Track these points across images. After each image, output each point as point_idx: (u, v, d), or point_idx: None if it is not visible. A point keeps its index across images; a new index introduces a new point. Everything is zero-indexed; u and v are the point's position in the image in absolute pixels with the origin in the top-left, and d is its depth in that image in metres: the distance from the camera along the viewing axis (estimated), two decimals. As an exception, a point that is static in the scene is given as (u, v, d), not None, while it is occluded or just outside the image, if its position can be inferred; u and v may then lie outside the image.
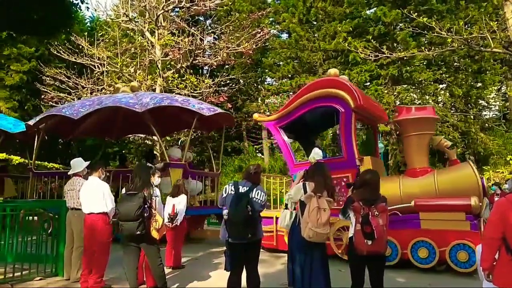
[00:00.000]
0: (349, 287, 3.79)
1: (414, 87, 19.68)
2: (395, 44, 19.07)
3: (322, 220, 3.71)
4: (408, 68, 18.72)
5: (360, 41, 16.12)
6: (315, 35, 20.72)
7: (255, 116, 8.73)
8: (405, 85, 19.64)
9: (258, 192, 4.02)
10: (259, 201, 3.98)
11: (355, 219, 3.73)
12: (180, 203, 6.27)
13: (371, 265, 3.75)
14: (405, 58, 15.87)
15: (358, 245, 3.61)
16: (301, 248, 3.79)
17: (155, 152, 13.49)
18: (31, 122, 9.51)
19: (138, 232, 4.17)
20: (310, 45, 20.08)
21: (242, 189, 4.00)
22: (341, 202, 6.40)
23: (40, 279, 5.37)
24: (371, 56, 12.78)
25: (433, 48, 13.24)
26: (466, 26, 11.94)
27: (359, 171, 5.41)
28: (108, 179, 7.35)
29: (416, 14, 12.14)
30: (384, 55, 12.55)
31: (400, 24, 18.91)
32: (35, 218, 6.45)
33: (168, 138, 16.29)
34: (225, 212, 3.95)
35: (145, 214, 4.23)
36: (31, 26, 5.86)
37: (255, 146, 25.66)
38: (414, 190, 6.47)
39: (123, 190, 4.63)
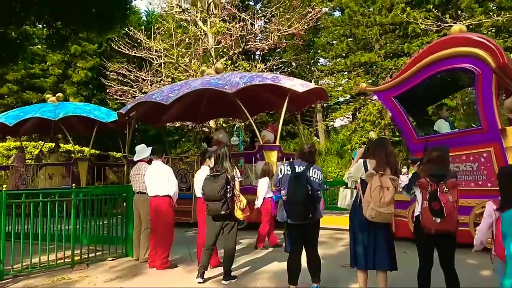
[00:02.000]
0: (417, 269, 3.59)
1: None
2: (459, 12, 17.63)
3: (386, 199, 3.49)
4: (475, 37, 17.24)
5: (419, 11, 15.12)
6: (370, 9, 19.80)
7: (363, 85, 7.58)
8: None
9: (315, 171, 3.92)
10: (318, 180, 3.88)
11: (421, 196, 3.51)
12: (260, 185, 6.43)
13: (440, 244, 3.51)
14: (471, 26, 14.61)
15: (425, 223, 3.39)
16: (364, 228, 3.62)
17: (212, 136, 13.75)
18: (122, 111, 9.73)
19: (223, 212, 4.33)
20: (365, 20, 19.23)
21: (298, 169, 3.92)
22: (480, 182, 5.87)
23: (112, 259, 5.73)
24: (433, 27, 11.92)
25: (502, 13, 12.05)
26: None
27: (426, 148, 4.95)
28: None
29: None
30: (447, 25, 11.61)
31: (465, -10, 17.42)
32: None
33: (224, 124, 16.57)
34: (283, 192, 3.90)
35: (228, 195, 4.37)
36: (90, 20, 6.15)
37: (310, 129, 25.33)
38: None
39: (200, 174, 4.78)
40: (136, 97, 12.85)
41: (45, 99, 17.48)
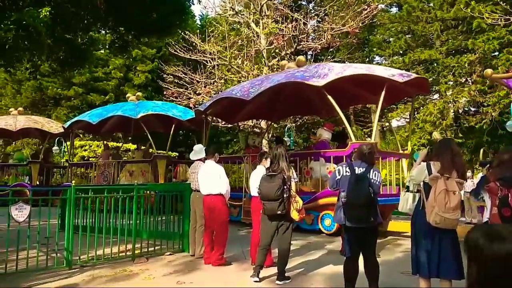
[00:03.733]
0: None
1: (558, 52, 16.60)
2: (531, 4, 16.26)
3: (451, 204, 3.27)
4: (550, 31, 15.83)
5: (485, 5, 14.15)
6: (430, 4, 18.84)
7: (489, 72, 6.47)
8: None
9: (375, 173, 3.80)
10: (377, 183, 3.76)
11: (491, 201, 3.28)
12: None
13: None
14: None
15: (496, 230, 3.17)
16: (427, 234, 3.41)
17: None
18: (201, 108, 9.54)
19: (279, 212, 4.35)
20: (425, 16, 18.34)
21: (358, 170, 3.81)
22: None
23: (170, 254, 5.95)
24: (500, 21, 11.12)
25: None
26: None
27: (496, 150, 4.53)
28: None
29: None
30: (518, 18, 10.80)
31: (538, -21, 16.03)
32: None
33: (275, 125, 16.59)
34: (343, 194, 3.80)
35: (285, 195, 4.38)
36: (151, 26, 6.45)
37: (363, 130, 24.61)
38: None
39: (257, 172, 4.80)
40: (213, 95, 12.41)
41: (107, 101, 18.62)
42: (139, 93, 13.19)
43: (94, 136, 18.58)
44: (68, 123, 12.94)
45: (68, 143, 14.38)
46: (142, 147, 13.75)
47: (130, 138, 17.80)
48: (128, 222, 5.71)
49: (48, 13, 5.28)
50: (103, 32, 10.06)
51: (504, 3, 11.61)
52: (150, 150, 12.49)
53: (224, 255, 5.36)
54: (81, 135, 19.49)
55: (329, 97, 7.35)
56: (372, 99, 9.34)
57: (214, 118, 11.36)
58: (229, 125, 17.30)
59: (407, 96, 9.48)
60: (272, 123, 16.22)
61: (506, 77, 6.83)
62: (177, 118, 11.53)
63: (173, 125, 11.76)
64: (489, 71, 6.58)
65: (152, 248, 5.94)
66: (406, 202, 3.91)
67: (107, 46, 20.52)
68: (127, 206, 5.58)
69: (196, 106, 13.95)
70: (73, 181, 5.76)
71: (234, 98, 8.37)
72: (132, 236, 5.63)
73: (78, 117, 12.68)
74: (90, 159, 15.55)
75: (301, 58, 9.18)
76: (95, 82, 23.13)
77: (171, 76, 17.41)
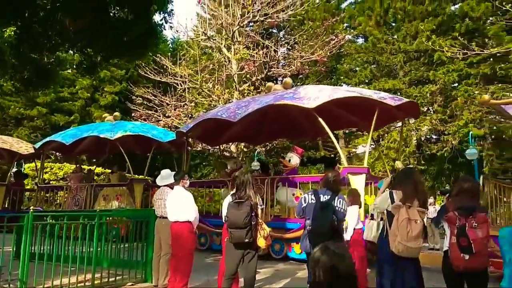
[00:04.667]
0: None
1: (511, 86, 17.76)
2: (486, 40, 17.43)
3: (413, 233, 3.34)
4: (502, 65, 16.95)
5: (445, 39, 15.06)
6: (394, 36, 19.84)
7: (486, 97, 6.12)
8: (500, 84, 17.80)
9: (340, 201, 3.85)
10: (342, 210, 3.81)
11: (450, 230, 3.38)
12: (349, 214, 5.26)
13: (470, 282, 3.35)
14: (498, 54, 14.43)
15: (454, 260, 3.25)
16: (391, 262, 3.48)
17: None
18: (183, 129, 9.18)
19: (247, 240, 4.27)
20: (389, 48, 19.25)
21: (323, 198, 3.86)
22: None
23: (132, 285, 5.71)
24: (459, 55, 11.78)
25: (532, 41, 11.85)
26: None
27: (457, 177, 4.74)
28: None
29: (510, 5, 10.99)
30: (474, 53, 11.48)
31: (491, 18, 17.29)
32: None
33: (245, 149, 16.63)
34: (308, 222, 3.82)
35: (253, 222, 4.31)
36: (123, 48, 6.41)
37: (331, 155, 25.07)
38: None
39: (229, 198, 4.72)
40: (198, 116, 11.78)
41: (72, 122, 17.84)
42: (117, 113, 12.51)
43: (57, 157, 17.90)
44: (39, 143, 12.12)
45: (38, 164, 13.47)
46: (118, 172, 12.97)
47: (96, 161, 17.11)
48: (88, 249, 5.47)
49: (13, 32, 5.16)
50: (71, 52, 9.88)
51: (462, 38, 12.37)
52: (126, 174, 11.97)
53: (188, 285, 5.21)
54: (52, 157, 18.67)
55: (320, 119, 7.19)
56: (360, 123, 9.37)
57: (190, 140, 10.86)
58: (198, 149, 17.19)
59: (396, 120, 9.42)
60: (242, 147, 16.29)
61: (504, 103, 6.55)
62: (157, 140, 10.99)
63: (153, 147, 11.29)
64: (486, 97, 6.35)
65: (113, 278, 5.69)
66: (371, 230, 3.99)
67: (74, 66, 20.10)
68: (88, 233, 5.35)
69: (166, 129, 13.80)
70: (31, 207, 5.49)
71: (219, 119, 8.06)
72: (92, 264, 5.38)
73: (50, 137, 11.88)
74: (51, 182, 14.81)
75: (288, 80, 9.05)
76: (60, 102, 22.50)
77: (140, 98, 17.23)
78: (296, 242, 7.15)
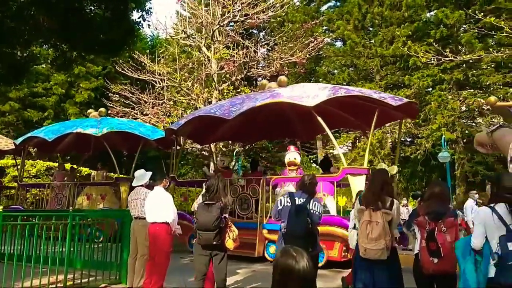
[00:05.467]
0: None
1: (481, 92, 18.40)
2: (459, 47, 18.00)
3: (373, 235, 3.38)
4: (474, 71, 17.56)
5: (420, 45, 15.44)
6: (371, 41, 20.22)
7: (492, 99, 5.56)
8: (472, 90, 18.42)
9: (315, 204, 3.90)
10: (317, 213, 3.86)
11: (420, 234, 3.48)
12: None
13: (439, 285, 3.47)
14: (470, 61, 14.96)
15: (423, 263, 3.36)
16: (362, 265, 3.55)
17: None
18: (174, 127, 8.84)
19: (215, 242, 4.23)
20: (366, 52, 19.60)
21: (298, 201, 3.90)
22: None
23: (105, 286, 5.62)
24: (433, 60, 12.14)
25: (502, 49, 12.30)
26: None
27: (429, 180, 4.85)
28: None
29: (481, 14, 11.38)
30: (448, 59, 11.86)
31: (464, 26, 17.86)
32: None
33: (223, 148, 16.61)
34: (283, 225, 3.85)
35: (222, 225, 4.27)
36: (100, 46, 6.30)
37: (309, 157, 25.32)
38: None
39: (200, 199, 4.66)
40: (190, 113, 11.33)
41: (45, 118, 17.19)
42: (102, 109, 11.98)
43: (30, 154, 17.33)
44: (20, 139, 11.45)
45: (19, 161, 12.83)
46: (102, 170, 12.36)
47: (78, 160, 16.41)
48: (60, 249, 5.34)
49: (-17, 26, 4.99)
50: (45, 46, 9.60)
51: (437, 44, 12.74)
52: (111, 174, 11.54)
53: (164, 286, 5.17)
54: (33, 153, 18.03)
55: (319, 118, 6.99)
56: (355, 124, 9.23)
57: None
58: (177, 147, 17.01)
59: (394, 120, 9.43)
60: (221, 147, 16.23)
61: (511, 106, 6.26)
62: (145, 137, 10.51)
63: (140, 145, 10.88)
64: (492, 98, 5.85)
65: (86, 279, 5.59)
66: (353, 239, 3.94)
67: (49, 61, 19.60)
68: (60, 233, 5.24)
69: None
70: (0, 207, 5.31)
71: (212, 117, 7.84)
72: (64, 265, 5.27)
73: (31, 133, 11.27)
74: (24, 179, 14.35)
75: (283, 78, 8.79)
76: (33, 98, 21.85)
77: (117, 95, 16.95)
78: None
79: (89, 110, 12.18)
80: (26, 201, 11.92)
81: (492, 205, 2.88)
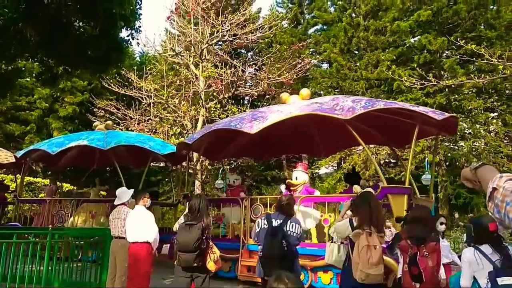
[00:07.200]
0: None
1: (463, 116, 18.85)
2: (442, 72, 18.50)
3: (373, 260, 3.34)
4: (456, 96, 18.02)
5: (404, 69, 15.83)
6: (357, 64, 20.62)
7: None
8: (454, 114, 18.83)
9: (292, 225, 3.84)
10: (295, 234, 3.79)
11: (402, 258, 3.49)
12: None
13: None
14: (453, 86, 15.36)
15: (406, 287, 3.36)
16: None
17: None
18: (188, 141, 8.28)
19: (195, 264, 4.12)
20: (352, 74, 19.97)
21: (275, 223, 3.84)
22: None
23: (83, 307, 5.45)
24: (417, 84, 12.44)
25: (483, 75, 12.69)
26: (519, 52, 11.36)
27: (411, 206, 4.88)
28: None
29: (463, 41, 11.75)
30: (431, 83, 12.16)
31: (447, 52, 18.38)
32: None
33: (209, 167, 16.52)
34: (260, 248, 3.79)
35: (203, 246, 4.16)
36: (87, 62, 6.27)
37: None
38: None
39: (181, 219, 4.56)
40: (205, 127, 10.83)
41: (28, 132, 16.67)
42: (109, 122, 11.54)
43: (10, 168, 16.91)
44: (22, 152, 10.85)
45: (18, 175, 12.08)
46: (99, 186, 11.93)
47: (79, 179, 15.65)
48: (38, 268, 5.17)
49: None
50: (31, 60, 9.48)
51: (420, 69, 13.07)
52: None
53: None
54: (39, 169, 17.54)
55: (354, 133, 6.41)
56: (382, 140, 8.81)
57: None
58: (161, 164, 16.86)
59: (429, 136, 8.80)
60: (207, 165, 16.13)
61: None
62: (155, 152, 9.89)
63: (149, 160, 10.37)
64: None
65: (63, 300, 5.42)
66: (332, 253, 3.92)
67: (34, 75, 19.38)
68: (38, 252, 5.09)
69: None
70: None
71: (225, 130, 7.36)
72: (41, 284, 5.10)
73: (34, 146, 10.79)
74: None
75: (306, 91, 8.30)
76: (16, 111, 21.47)
77: (102, 111, 16.81)
78: (324, 271, 6.48)
79: (95, 123, 11.71)
80: (23, 217, 11.37)
81: (476, 245, 2.99)
